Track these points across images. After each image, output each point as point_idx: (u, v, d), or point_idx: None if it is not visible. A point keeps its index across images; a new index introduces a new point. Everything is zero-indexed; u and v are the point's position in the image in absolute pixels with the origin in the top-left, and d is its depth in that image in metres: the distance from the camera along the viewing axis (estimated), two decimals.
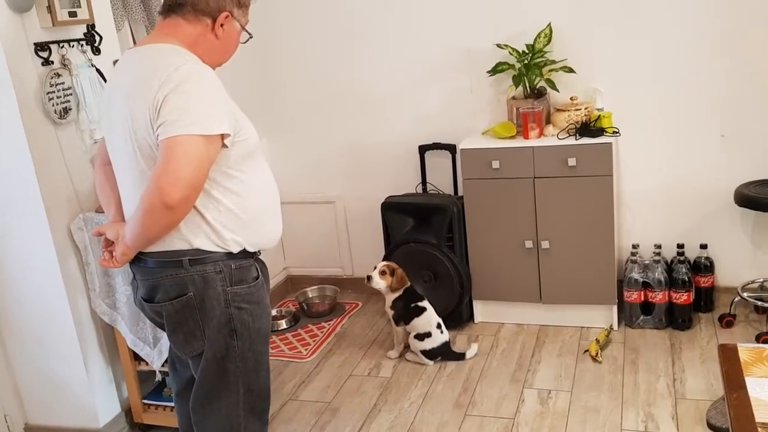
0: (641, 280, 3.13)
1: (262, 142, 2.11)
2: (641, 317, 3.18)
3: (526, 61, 3.21)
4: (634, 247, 3.26)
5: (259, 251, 1.91)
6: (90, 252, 2.48)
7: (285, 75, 3.77)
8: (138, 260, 1.82)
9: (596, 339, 3.04)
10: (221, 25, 1.78)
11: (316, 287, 3.87)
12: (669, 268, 3.16)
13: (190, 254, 1.75)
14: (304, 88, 3.76)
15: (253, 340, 1.86)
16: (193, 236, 1.75)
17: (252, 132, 1.82)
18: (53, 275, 2.46)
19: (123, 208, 1.86)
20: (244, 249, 1.83)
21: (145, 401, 2.71)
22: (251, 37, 1.88)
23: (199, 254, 1.76)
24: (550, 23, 3.21)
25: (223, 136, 1.67)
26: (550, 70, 3.23)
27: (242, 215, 1.80)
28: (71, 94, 2.43)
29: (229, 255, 1.80)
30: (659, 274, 3.10)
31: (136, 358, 2.62)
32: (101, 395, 2.63)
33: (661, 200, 3.32)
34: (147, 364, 2.59)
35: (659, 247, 3.22)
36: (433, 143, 3.57)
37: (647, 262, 3.16)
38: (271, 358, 3.18)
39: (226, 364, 1.83)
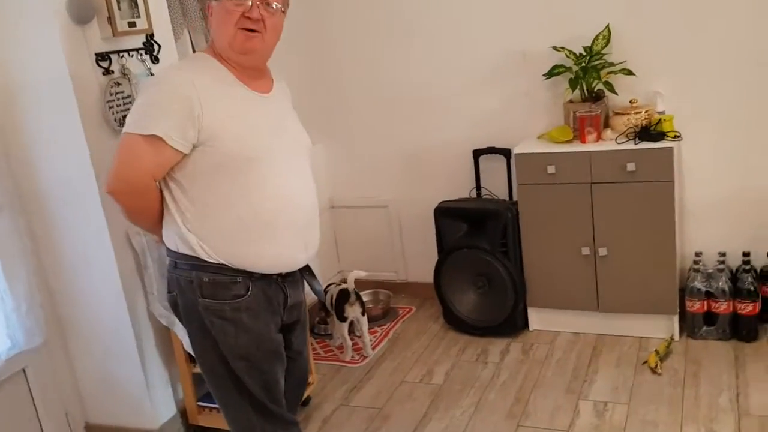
0: (704, 289, 3.01)
1: (316, 148, 2.08)
2: (704, 328, 3.05)
3: (583, 64, 3.13)
4: (696, 254, 3.14)
5: (279, 273, 1.88)
6: (148, 256, 2.55)
7: (340, 78, 3.79)
8: None
9: (656, 350, 2.94)
10: (210, 14, 1.84)
11: (369, 291, 3.87)
12: (734, 277, 3.03)
13: (174, 256, 1.86)
14: (358, 91, 3.77)
15: (233, 355, 1.85)
16: (170, 234, 1.84)
17: (236, 145, 1.75)
18: (112, 279, 2.53)
19: None
20: (224, 264, 1.80)
21: (200, 403, 2.76)
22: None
23: (180, 258, 1.83)
24: (608, 25, 3.12)
25: (161, 139, 1.69)
26: (609, 73, 3.14)
27: (213, 226, 1.79)
28: (130, 102, 2.50)
29: (202, 265, 1.80)
30: (723, 283, 2.98)
31: (192, 360, 2.67)
32: (158, 396, 2.69)
33: (725, 206, 3.18)
34: None
35: (723, 255, 3.08)
36: (488, 147, 3.52)
37: (711, 270, 3.04)
38: (323, 362, 3.25)
39: (214, 369, 1.88)
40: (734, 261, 3.09)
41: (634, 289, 3.05)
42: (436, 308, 3.59)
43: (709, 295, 3.02)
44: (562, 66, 3.20)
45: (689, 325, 3.09)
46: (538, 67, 3.30)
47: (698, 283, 3.02)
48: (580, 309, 3.21)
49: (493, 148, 3.50)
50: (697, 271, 3.04)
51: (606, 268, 3.09)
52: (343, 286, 3.23)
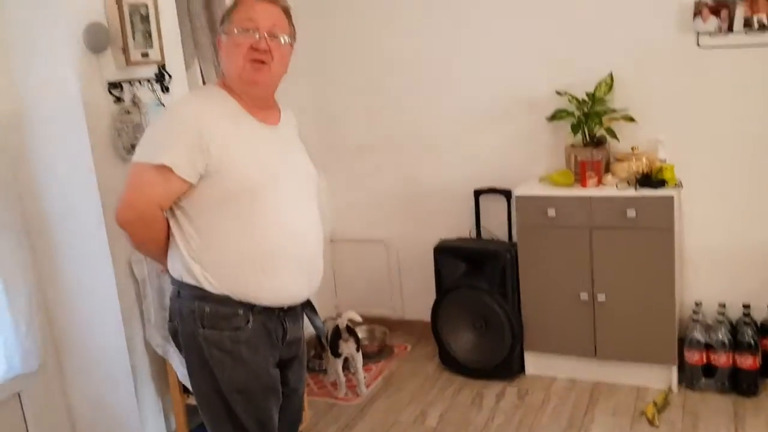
0: (704, 340, 3.00)
1: (319, 177, 2.10)
2: (703, 380, 3.03)
3: (585, 110, 3.17)
4: (696, 304, 3.14)
5: (283, 307, 1.88)
6: (148, 284, 2.54)
7: (343, 113, 3.84)
8: None
9: (654, 401, 2.91)
10: (220, 47, 1.89)
11: (365, 327, 3.86)
12: (734, 329, 3.02)
13: (177, 285, 1.86)
14: (361, 126, 3.81)
15: (230, 388, 1.84)
16: (175, 263, 1.85)
17: (243, 176, 1.77)
18: (112, 305, 2.51)
19: None
20: (226, 295, 1.81)
21: None
22: (246, 30, 1.81)
23: (183, 287, 1.84)
24: (611, 72, 3.17)
25: (170, 169, 1.72)
26: (611, 119, 3.19)
27: (217, 257, 1.80)
28: (140, 131, 2.52)
29: (205, 295, 1.81)
30: (723, 335, 2.97)
31: (186, 391, 2.64)
32: (150, 426, 2.66)
33: (726, 257, 3.19)
34: None
35: (723, 306, 3.08)
36: (489, 188, 3.55)
37: (710, 322, 3.04)
38: (316, 398, 3.22)
39: (210, 401, 1.87)
40: (734, 313, 3.09)
41: (633, 336, 3.04)
42: (432, 347, 3.57)
43: (708, 347, 3.00)
44: (565, 111, 3.24)
45: (688, 376, 3.07)
46: (541, 110, 3.35)
47: (697, 334, 3.01)
48: (577, 355, 3.20)
49: (494, 188, 3.53)
50: (696, 321, 3.04)
51: (604, 315, 3.08)
52: (338, 321, 3.22)
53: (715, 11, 2.95)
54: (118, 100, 2.45)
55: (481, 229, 3.60)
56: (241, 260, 1.80)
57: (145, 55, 2.49)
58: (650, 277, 2.97)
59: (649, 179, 3.00)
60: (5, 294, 2.39)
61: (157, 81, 2.60)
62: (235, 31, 1.82)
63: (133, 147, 2.50)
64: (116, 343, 2.55)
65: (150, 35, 2.50)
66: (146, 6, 2.48)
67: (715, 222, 3.18)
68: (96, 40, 2.34)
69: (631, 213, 2.94)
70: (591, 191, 3.06)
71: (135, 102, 2.51)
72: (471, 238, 3.57)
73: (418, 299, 3.78)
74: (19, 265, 2.44)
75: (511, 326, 3.20)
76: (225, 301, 1.81)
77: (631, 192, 2.98)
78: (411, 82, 3.65)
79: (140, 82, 2.53)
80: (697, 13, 2.98)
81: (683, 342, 3.07)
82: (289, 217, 1.85)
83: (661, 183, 2.99)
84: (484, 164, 3.57)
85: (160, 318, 2.56)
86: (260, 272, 1.82)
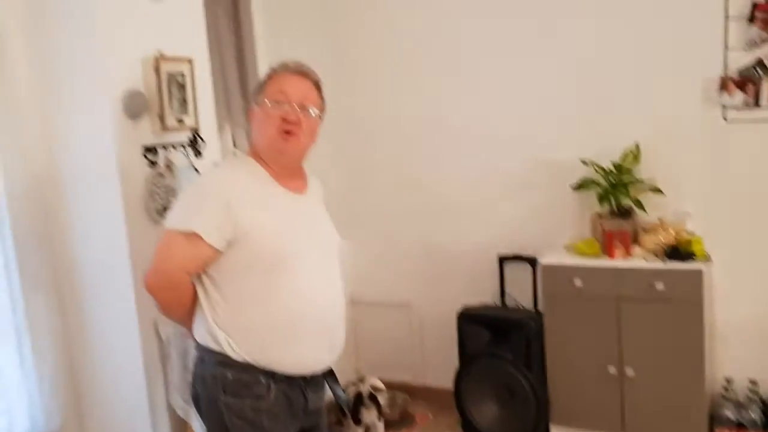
0: (735, 418, 2.92)
1: (342, 244, 2.13)
2: None
3: (612, 180, 3.18)
4: (727, 381, 3.06)
5: (305, 376, 1.88)
6: (171, 345, 2.54)
7: (368, 175, 3.88)
8: None
9: None
10: (252, 117, 1.96)
11: (386, 393, 3.79)
12: (765, 407, 2.93)
13: (201, 350, 1.88)
14: (386, 189, 3.85)
15: None
16: (200, 329, 1.87)
17: (268, 244, 1.81)
18: (135, 365, 2.52)
19: None
20: (249, 362, 1.81)
21: None
22: (277, 102, 1.88)
23: (207, 353, 1.85)
24: (637, 143, 3.19)
25: (199, 236, 1.76)
26: (638, 190, 3.19)
27: (242, 323, 1.82)
28: (172, 193, 2.57)
29: (228, 362, 1.81)
30: (754, 413, 2.88)
31: None
32: None
33: (756, 332, 3.12)
34: None
35: (755, 383, 3.00)
36: (514, 255, 3.53)
37: (741, 399, 2.95)
38: None
39: None
40: (766, 389, 3.00)
41: (662, 413, 2.96)
42: (454, 417, 3.50)
43: (739, 425, 2.91)
44: (591, 180, 3.25)
45: None
46: (567, 178, 3.36)
47: (728, 412, 2.93)
48: (604, 430, 3.10)
49: (520, 255, 3.51)
50: (726, 399, 2.96)
51: (632, 389, 3.01)
52: (361, 387, 3.18)
53: (741, 86, 2.98)
54: (153, 163, 2.51)
55: (506, 296, 3.57)
56: (265, 328, 1.82)
57: (180, 121, 2.56)
58: (679, 352, 2.91)
59: (678, 252, 2.97)
60: (32, 353, 2.42)
61: (190, 145, 2.66)
62: (268, 102, 1.88)
63: (165, 209, 2.55)
64: (138, 403, 2.54)
65: (186, 102, 2.58)
66: (183, 74, 2.57)
67: (745, 296, 3.13)
68: (134, 107, 2.42)
69: (659, 286, 2.90)
70: (619, 262, 3.03)
71: (168, 166, 2.57)
72: (495, 306, 3.54)
73: (440, 365, 3.73)
74: (48, 325, 2.48)
75: (537, 399, 3.13)
76: (247, 368, 1.82)
77: (659, 264, 2.95)
78: (436, 145, 3.69)
79: (174, 147, 2.60)
80: (723, 87, 3.01)
81: (713, 420, 2.98)
82: (313, 286, 1.88)
83: (689, 256, 2.95)
84: (508, 230, 3.57)
85: (182, 380, 2.55)
86: (283, 340, 1.83)
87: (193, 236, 1.77)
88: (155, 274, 1.84)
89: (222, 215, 1.78)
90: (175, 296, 1.86)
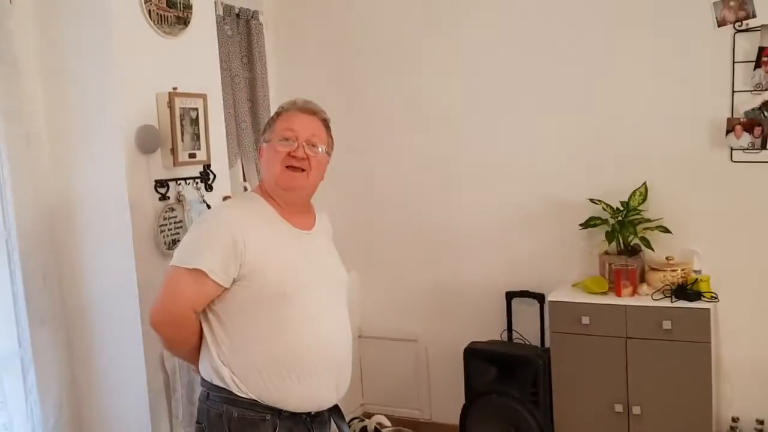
0: None
1: (350, 276, 2.13)
2: None
3: (620, 218, 3.19)
4: (733, 420, 3.03)
5: (311, 412, 1.88)
6: (178, 379, 2.54)
7: (377, 210, 3.89)
8: None
9: None
10: (261, 154, 2.00)
11: (392, 429, 3.76)
12: None
13: (207, 387, 1.88)
14: (394, 224, 3.86)
15: None
16: (205, 365, 1.87)
17: (275, 282, 1.82)
18: (141, 399, 2.51)
19: None
20: (254, 400, 1.81)
21: None
22: (286, 139, 1.90)
23: (212, 389, 1.85)
24: (645, 183, 3.20)
25: (205, 273, 1.77)
26: (645, 228, 3.19)
27: (247, 361, 1.81)
28: (181, 227, 2.59)
29: (233, 399, 1.81)
30: None
31: None
32: None
33: (763, 371, 3.10)
34: None
35: (761, 422, 2.98)
36: (521, 291, 3.53)
37: None
38: None
39: None
40: None
41: None
42: None
43: None
44: (598, 218, 3.26)
45: None
46: (575, 216, 3.37)
47: None
48: None
49: (527, 291, 3.51)
50: None
51: (639, 428, 2.98)
52: (367, 423, 3.16)
53: (748, 128, 3.01)
54: (164, 197, 2.54)
55: (513, 332, 3.55)
56: (270, 365, 1.82)
57: (192, 155, 2.59)
58: (686, 391, 2.89)
59: (685, 291, 2.97)
60: (37, 388, 2.41)
61: (201, 180, 2.69)
62: (276, 139, 1.91)
63: (174, 243, 2.57)
64: None
65: (198, 137, 2.61)
66: (196, 110, 2.61)
67: (752, 335, 3.11)
68: (147, 142, 2.45)
69: (666, 324, 2.90)
70: (626, 300, 3.03)
71: (179, 199, 2.59)
72: (502, 341, 3.53)
73: (446, 401, 3.70)
74: (54, 357, 2.47)
75: None
76: (253, 405, 1.82)
77: (666, 303, 2.94)
78: (444, 182, 3.71)
79: (186, 181, 2.63)
80: (730, 129, 3.04)
81: None
82: (319, 323, 1.87)
83: (697, 295, 2.95)
84: (515, 266, 3.57)
85: (187, 414, 2.55)
86: (288, 378, 1.82)
87: (199, 273, 1.79)
88: (160, 311, 1.86)
89: (228, 253, 1.79)
90: (180, 332, 1.87)
